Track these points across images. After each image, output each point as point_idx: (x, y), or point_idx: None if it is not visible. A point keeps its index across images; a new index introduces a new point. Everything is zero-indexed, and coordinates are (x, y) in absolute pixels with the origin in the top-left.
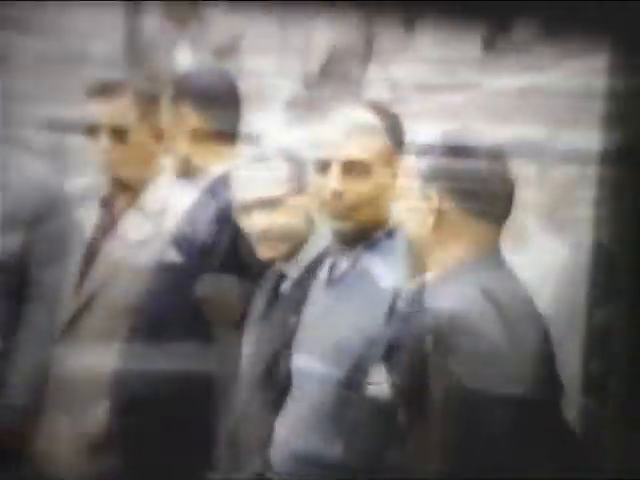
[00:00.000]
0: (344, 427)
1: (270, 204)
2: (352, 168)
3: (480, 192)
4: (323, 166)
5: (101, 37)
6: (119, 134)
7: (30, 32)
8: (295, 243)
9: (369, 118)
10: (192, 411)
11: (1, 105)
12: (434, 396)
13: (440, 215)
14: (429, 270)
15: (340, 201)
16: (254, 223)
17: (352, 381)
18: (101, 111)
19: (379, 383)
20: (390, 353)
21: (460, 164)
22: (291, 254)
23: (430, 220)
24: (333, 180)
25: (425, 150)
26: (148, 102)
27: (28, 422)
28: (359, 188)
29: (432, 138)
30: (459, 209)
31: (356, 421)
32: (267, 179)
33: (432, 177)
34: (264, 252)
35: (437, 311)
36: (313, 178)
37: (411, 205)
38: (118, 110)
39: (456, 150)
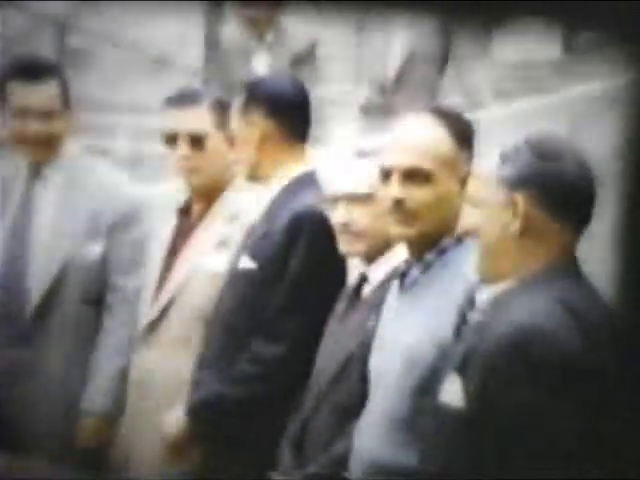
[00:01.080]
0: (418, 435)
1: (359, 199)
2: (413, 176)
3: (567, 198)
4: (386, 173)
5: (182, 46)
6: (197, 141)
7: (111, 42)
8: (376, 243)
9: (433, 125)
10: (264, 412)
11: (85, 114)
12: (507, 407)
13: (526, 222)
14: (505, 278)
15: (402, 208)
16: (338, 216)
17: (425, 389)
18: (179, 120)
19: (453, 392)
20: (464, 362)
21: (547, 169)
22: (373, 255)
23: (515, 227)
24: (394, 187)
25: (509, 156)
26: (223, 110)
27: (109, 425)
28: (421, 195)
29: (516, 143)
30: (545, 215)
31: (429, 429)
32: (359, 175)
33: (519, 183)
34: (344, 246)
35: (514, 322)
36: (379, 185)
37: (490, 211)
38: (195, 118)
39: (543, 155)
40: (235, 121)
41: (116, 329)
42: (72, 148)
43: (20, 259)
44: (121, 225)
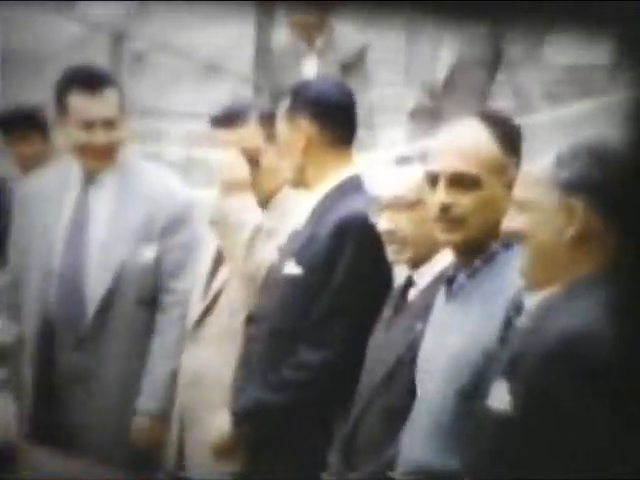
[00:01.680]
0: (461, 439)
1: (405, 206)
2: (460, 181)
3: (624, 203)
4: (433, 179)
5: (232, 52)
6: (250, 160)
7: (163, 48)
8: (422, 249)
9: (479, 130)
10: (309, 418)
11: (137, 120)
12: (554, 413)
13: (582, 227)
14: (553, 283)
15: (449, 214)
16: (384, 223)
17: (470, 393)
18: (229, 142)
19: (500, 397)
20: (512, 367)
21: (607, 175)
22: (419, 261)
23: (570, 232)
24: (440, 193)
25: (565, 160)
26: (272, 121)
27: (163, 425)
28: (468, 201)
29: (574, 147)
30: (601, 221)
31: (474, 433)
32: (405, 182)
33: (576, 188)
34: (390, 253)
35: (562, 328)
36: (425, 191)
37: (542, 215)
38: (245, 137)
39: (602, 160)
40: (281, 126)
41: (169, 330)
42: (125, 153)
43: (77, 264)
44: (173, 228)
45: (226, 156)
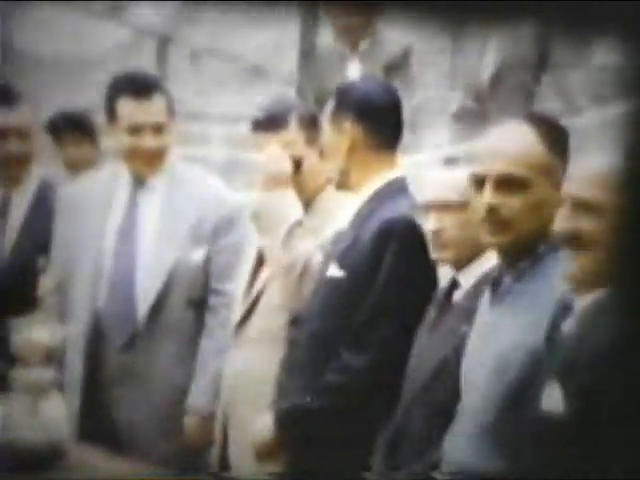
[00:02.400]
0: (509, 440)
1: (450, 207)
2: (507, 183)
3: None
4: (479, 181)
5: (277, 55)
6: (292, 162)
7: (207, 53)
8: (466, 251)
9: (526, 132)
10: (354, 418)
11: (181, 123)
12: (608, 415)
13: None
14: (604, 285)
15: (496, 216)
16: (429, 224)
17: (515, 396)
18: (270, 144)
19: (553, 400)
20: (565, 370)
21: None
22: (463, 262)
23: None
24: (487, 195)
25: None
26: (313, 124)
27: (212, 424)
28: (515, 203)
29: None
30: None
31: (525, 436)
32: (450, 183)
33: None
34: (434, 253)
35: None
36: (470, 193)
37: (599, 217)
38: (286, 141)
39: None
40: (325, 127)
41: (218, 331)
42: (172, 157)
43: (128, 266)
44: (222, 230)
45: (269, 151)
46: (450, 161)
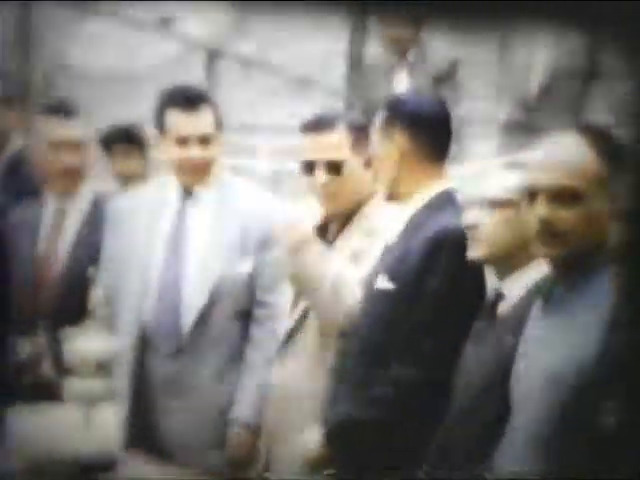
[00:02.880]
0: (561, 451)
1: (496, 205)
2: (561, 195)
3: None
4: (532, 193)
5: (325, 66)
6: (334, 168)
7: (256, 65)
8: (501, 251)
9: (580, 143)
10: (403, 430)
11: (229, 135)
12: None
13: None
14: None
15: (550, 229)
16: (469, 218)
17: (569, 408)
18: (316, 147)
19: (607, 414)
20: (618, 383)
21: None
22: (505, 267)
23: None
24: (541, 208)
25: None
26: (360, 133)
27: (256, 437)
28: (569, 215)
29: None
30: None
31: (580, 447)
32: (499, 182)
33: None
34: (471, 250)
35: None
36: (523, 204)
37: None
38: (332, 145)
39: None
40: (375, 138)
41: (264, 343)
42: (220, 168)
43: (175, 278)
44: (269, 242)
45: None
46: (508, 165)
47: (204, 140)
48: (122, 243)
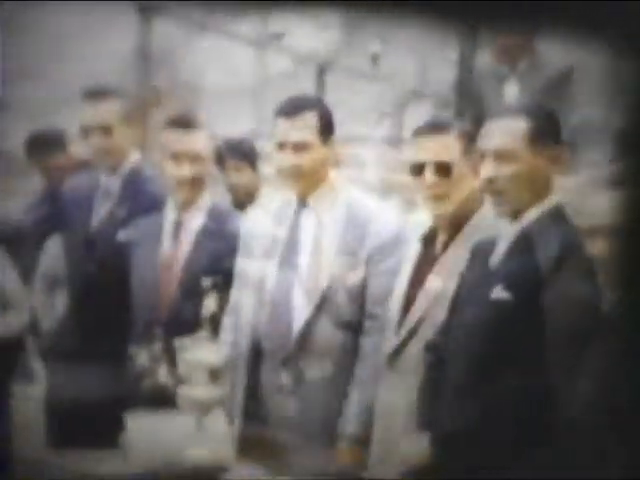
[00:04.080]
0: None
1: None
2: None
3: None
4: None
5: (434, 77)
6: (443, 169)
7: (366, 77)
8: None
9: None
10: (510, 441)
11: (339, 146)
12: None
13: None
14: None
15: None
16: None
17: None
18: (427, 148)
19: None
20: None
21: None
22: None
23: None
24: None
25: None
26: (471, 138)
27: (361, 451)
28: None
29: None
30: None
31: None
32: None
33: None
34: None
35: None
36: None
37: None
38: (443, 147)
39: None
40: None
41: (372, 355)
42: (331, 178)
43: (287, 287)
44: (379, 254)
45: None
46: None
47: (304, 146)
48: (245, 254)
